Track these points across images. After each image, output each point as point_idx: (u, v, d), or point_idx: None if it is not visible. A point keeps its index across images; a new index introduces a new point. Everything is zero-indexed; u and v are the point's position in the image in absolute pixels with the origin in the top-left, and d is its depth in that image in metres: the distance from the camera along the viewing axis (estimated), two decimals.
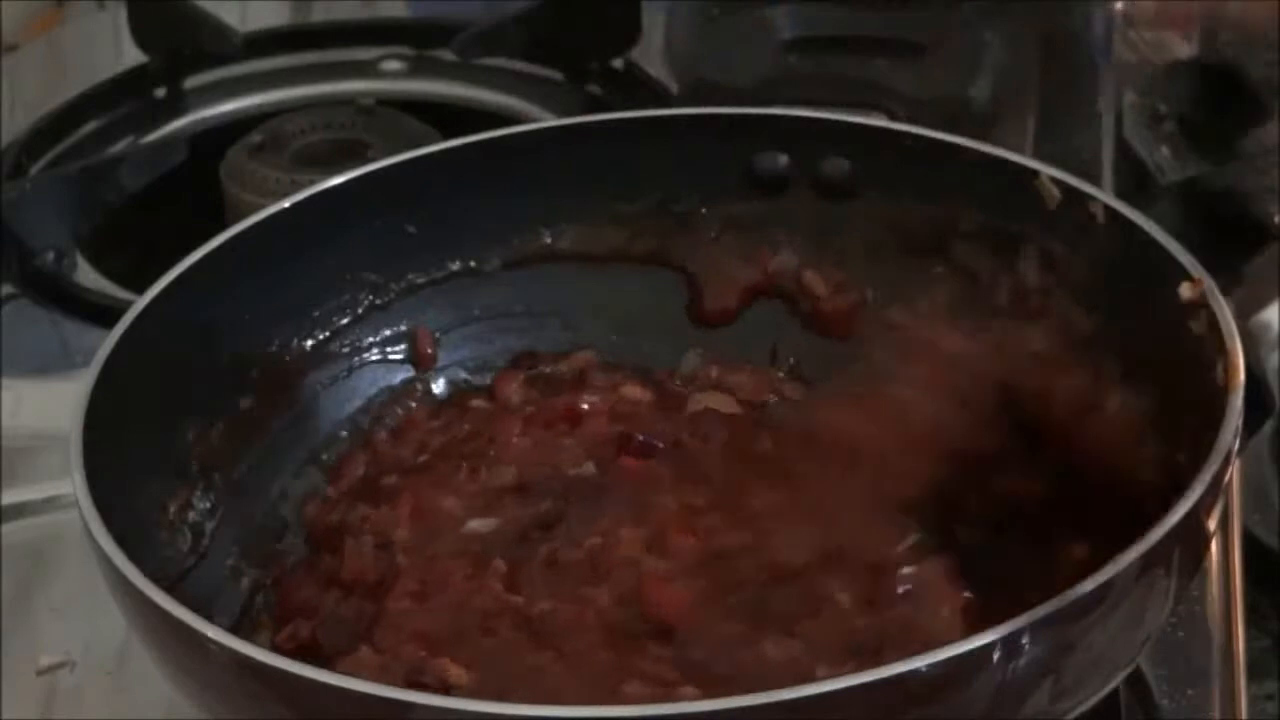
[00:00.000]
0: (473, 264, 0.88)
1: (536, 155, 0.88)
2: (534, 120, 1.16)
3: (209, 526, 0.78)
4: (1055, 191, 0.80)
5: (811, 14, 1.20)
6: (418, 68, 1.25)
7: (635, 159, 0.87)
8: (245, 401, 0.82)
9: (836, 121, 0.87)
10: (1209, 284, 0.73)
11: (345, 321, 0.86)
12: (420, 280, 0.87)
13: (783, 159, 0.86)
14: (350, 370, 0.86)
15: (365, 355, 0.86)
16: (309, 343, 0.85)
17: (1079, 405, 0.78)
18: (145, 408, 0.76)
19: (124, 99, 1.22)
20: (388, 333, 0.86)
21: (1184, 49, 1.23)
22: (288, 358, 0.84)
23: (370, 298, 0.86)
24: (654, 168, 0.87)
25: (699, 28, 1.24)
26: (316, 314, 0.85)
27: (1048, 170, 0.81)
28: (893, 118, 1.07)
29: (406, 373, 0.87)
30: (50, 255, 1.07)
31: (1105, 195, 0.79)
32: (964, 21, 1.19)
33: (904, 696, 0.59)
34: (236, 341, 0.82)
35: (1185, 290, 0.73)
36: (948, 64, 1.15)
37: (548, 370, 0.86)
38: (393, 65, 1.25)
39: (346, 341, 0.85)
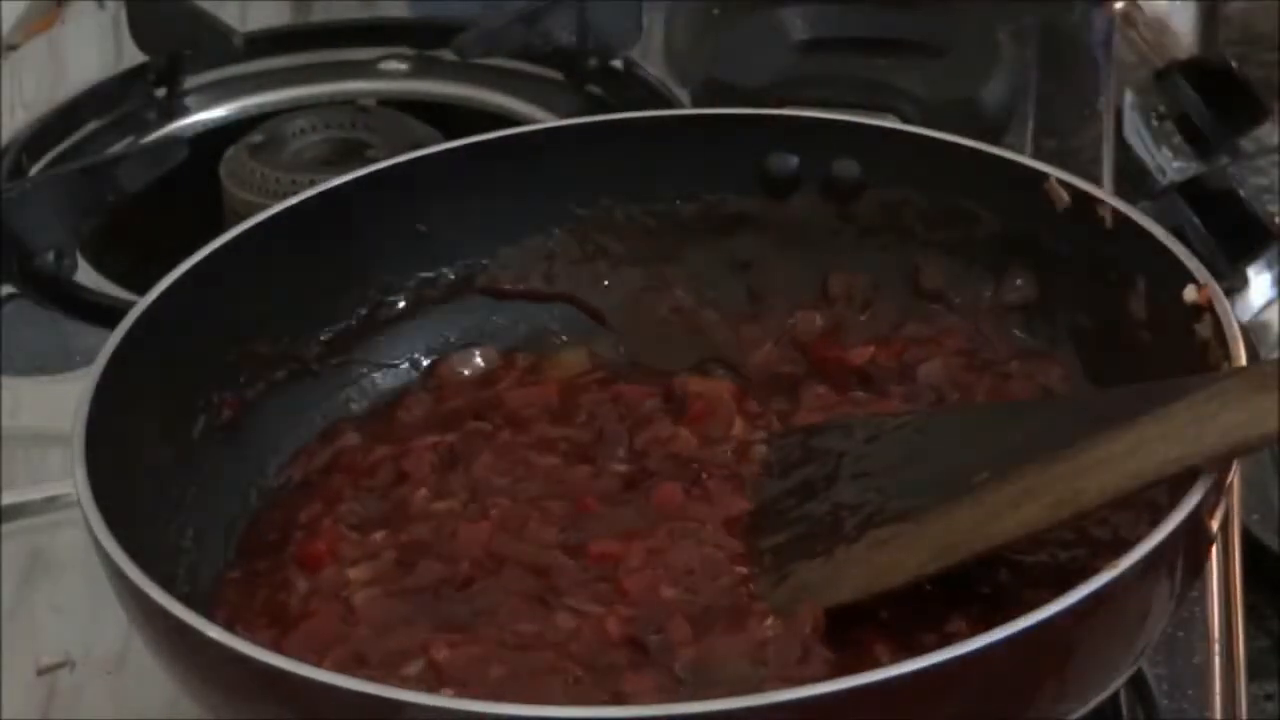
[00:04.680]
0: (484, 262, 0.88)
1: (548, 155, 0.88)
2: (534, 120, 1.16)
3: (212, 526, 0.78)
4: (1064, 195, 0.80)
5: (823, 15, 1.20)
6: (418, 68, 1.25)
7: (642, 159, 0.88)
8: (251, 400, 0.82)
9: (847, 123, 0.88)
10: (1214, 288, 0.73)
11: (353, 322, 0.85)
12: (429, 277, 0.87)
13: (793, 160, 0.87)
14: (358, 370, 0.86)
15: (374, 356, 0.86)
16: (316, 342, 0.85)
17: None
18: (149, 406, 0.76)
19: (124, 99, 1.22)
20: (396, 334, 0.86)
21: (1184, 49, 1.23)
22: (294, 357, 0.84)
23: (379, 296, 0.86)
24: (661, 169, 0.87)
25: (710, 29, 1.24)
26: (323, 313, 0.85)
27: (1057, 173, 0.81)
28: (904, 120, 1.07)
29: (413, 375, 0.87)
30: (50, 255, 1.07)
31: (1114, 199, 0.79)
32: (978, 22, 1.18)
33: (906, 697, 0.59)
34: (242, 340, 0.82)
35: (1190, 294, 0.74)
36: (960, 65, 1.15)
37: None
38: (393, 65, 1.25)
39: (354, 341, 0.85)
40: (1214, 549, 0.80)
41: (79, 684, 0.80)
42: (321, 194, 0.85)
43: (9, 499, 0.89)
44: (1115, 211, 0.79)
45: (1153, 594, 0.64)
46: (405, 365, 0.87)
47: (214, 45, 1.21)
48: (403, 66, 1.25)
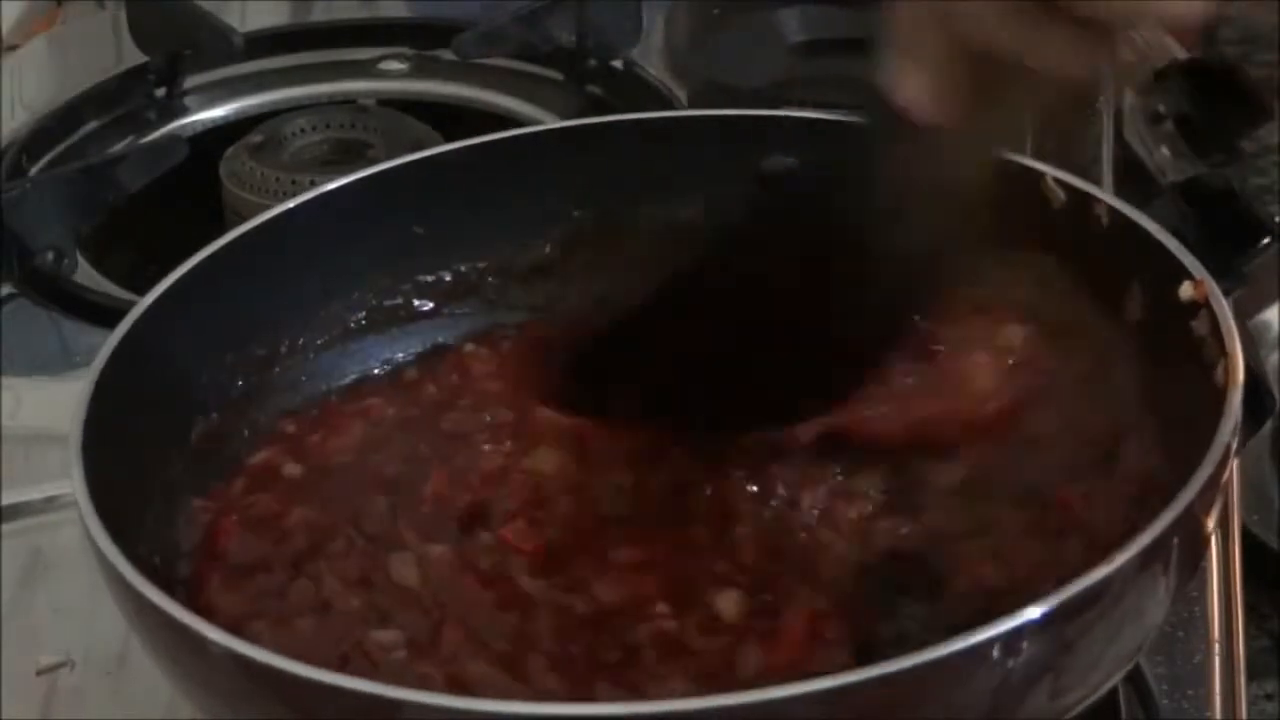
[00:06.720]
0: (480, 265, 0.88)
1: (548, 155, 0.88)
2: (534, 120, 1.16)
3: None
4: (1059, 193, 0.80)
5: (822, 16, 1.20)
6: (418, 68, 1.25)
7: (641, 160, 0.88)
8: (250, 403, 0.82)
9: (847, 123, 0.87)
10: (1210, 284, 0.73)
11: (352, 324, 0.86)
12: (428, 280, 0.87)
13: (792, 161, 0.87)
14: (357, 371, 0.86)
15: (373, 357, 0.86)
16: (315, 344, 0.85)
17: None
18: (147, 407, 0.76)
19: (124, 99, 1.22)
20: (395, 335, 0.87)
21: (1184, 49, 1.23)
22: (293, 358, 0.84)
23: (378, 298, 0.86)
24: (661, 169, 0.87)
25: (707, 30, 1.24)
26: (323, 314, 0.85)
27: (1053, 172, 0.81)
28: None
29: (415, 374, 0.87)
30: (50, 255, 1.07)
31: (1109, 197, 0.79)
32: None
33: (903, 695, 0.59)
34: (241, 341, 0.82)
35: (1187, 290, 0.74)
36: None
37: None
38: (393, 65, 1.25)
39: (353, 343, 0.85)
40: (1214, 548, 0.80)
41: (79, 684, 0.80)
42: (321, 194, 0.85)
43: (9, 499, 0.89)
44: (1110, 209, 0.79)
45: (1148, 591, 0.64)
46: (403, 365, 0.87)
47: (214, 45, 1.22)
48: (403, 66, 1.25)
